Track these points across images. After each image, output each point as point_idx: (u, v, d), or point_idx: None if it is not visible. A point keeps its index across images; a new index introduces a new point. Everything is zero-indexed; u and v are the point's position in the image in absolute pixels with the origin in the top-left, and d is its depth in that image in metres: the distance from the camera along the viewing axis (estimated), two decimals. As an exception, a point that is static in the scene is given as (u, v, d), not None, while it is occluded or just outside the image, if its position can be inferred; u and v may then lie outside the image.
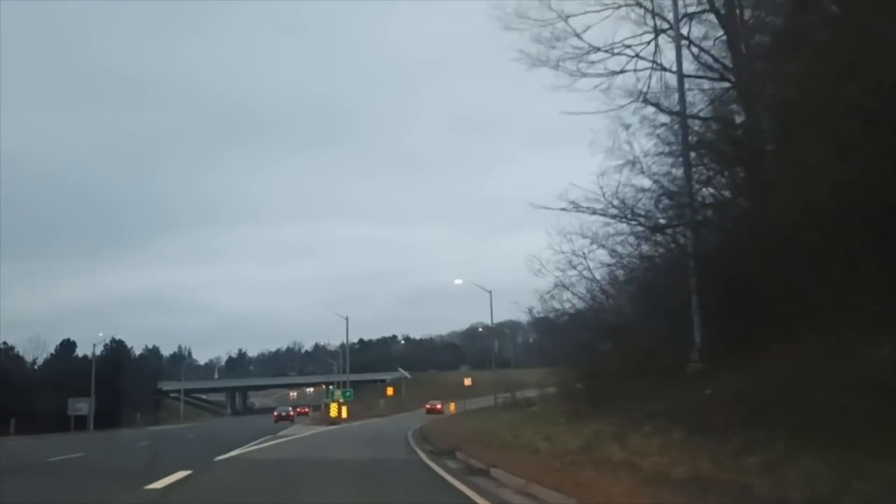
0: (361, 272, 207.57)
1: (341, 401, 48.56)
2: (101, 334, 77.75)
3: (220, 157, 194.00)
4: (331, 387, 60.24)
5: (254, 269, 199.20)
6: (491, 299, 48.52)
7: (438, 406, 69.24)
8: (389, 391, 69.17)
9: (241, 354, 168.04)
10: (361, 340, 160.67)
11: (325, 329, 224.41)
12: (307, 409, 77.81)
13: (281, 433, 33.34)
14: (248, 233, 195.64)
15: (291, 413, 64.71)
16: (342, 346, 48.41)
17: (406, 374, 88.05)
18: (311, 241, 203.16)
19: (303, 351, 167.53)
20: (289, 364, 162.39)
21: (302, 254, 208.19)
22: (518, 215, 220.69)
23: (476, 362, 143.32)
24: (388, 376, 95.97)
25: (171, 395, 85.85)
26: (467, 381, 77.15)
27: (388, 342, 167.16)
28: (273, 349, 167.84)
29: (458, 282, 59.34)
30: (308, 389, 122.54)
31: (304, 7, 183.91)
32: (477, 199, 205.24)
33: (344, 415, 47.05)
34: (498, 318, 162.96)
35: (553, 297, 24.68)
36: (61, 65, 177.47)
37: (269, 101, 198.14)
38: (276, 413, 65.09)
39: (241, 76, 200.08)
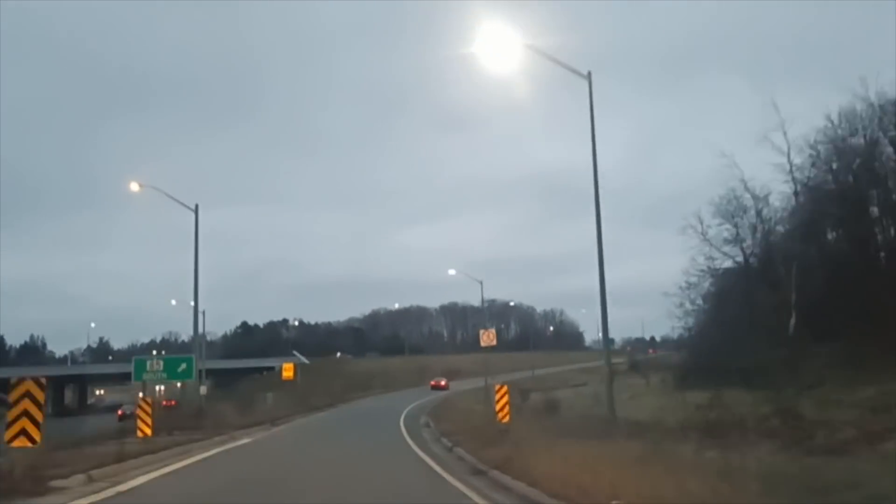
0: (254, 260, 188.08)
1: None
2: None
3: (96, 131, 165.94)
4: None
5: (133, 256, 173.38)
6: (482, 289, 46.77)
7: (443, 383, 71.41)
8: (287, 372, 47.75)
9: (103, 344, 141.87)
10: (245, 324, 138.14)
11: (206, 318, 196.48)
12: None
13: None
14: (127, 217, 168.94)
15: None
16: (193, 336, 28.08)
17: (303, 358, 67.98)
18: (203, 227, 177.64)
19: (179, 342, 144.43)
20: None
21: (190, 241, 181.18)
22: (422, 202, 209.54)
23: (383, 348, 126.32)
24: (278, 362, 75.71)
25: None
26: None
27: (276, 327, 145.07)
28: (146, 340, 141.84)
29: (451, 272, 57.40)
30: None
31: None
32: (380, 184, 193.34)
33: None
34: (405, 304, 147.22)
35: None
36: None
37: (154, 67, 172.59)
38: (119, 412, 54.21)
39: (118, 35, 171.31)
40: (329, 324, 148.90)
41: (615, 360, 32.95)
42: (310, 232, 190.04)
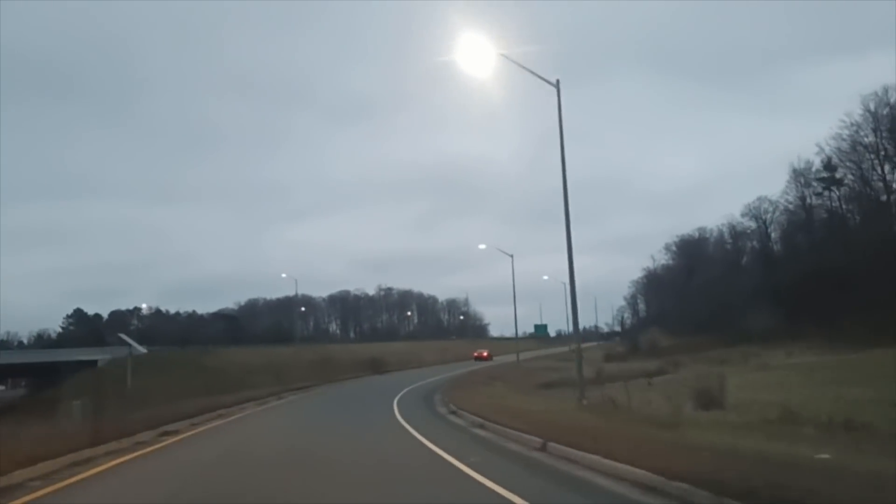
0: (136, 255, 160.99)
1: None
2: None
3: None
4: None
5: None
6: (513, 264, 43.36)
7: (485, 354, 75.93)
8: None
9: None
10: (80, 312, 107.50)
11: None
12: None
13: None
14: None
15: None
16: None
17: (138, 346, 42.89)
18: (62, 224, 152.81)
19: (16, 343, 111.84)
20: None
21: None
22: (314, 196, 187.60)
23: (262, 339, 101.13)
24: (104, 354, 49.88)
25: None
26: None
27: (124, 316, 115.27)
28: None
29: (481, 246, 55.65)
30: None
31: None
32: (272, 178, 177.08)
33: None
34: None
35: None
36: None
37: (26, 52, 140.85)
38: None
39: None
40: (194, 312, 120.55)
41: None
42: (196, 226, 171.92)
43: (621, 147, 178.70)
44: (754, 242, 62.64)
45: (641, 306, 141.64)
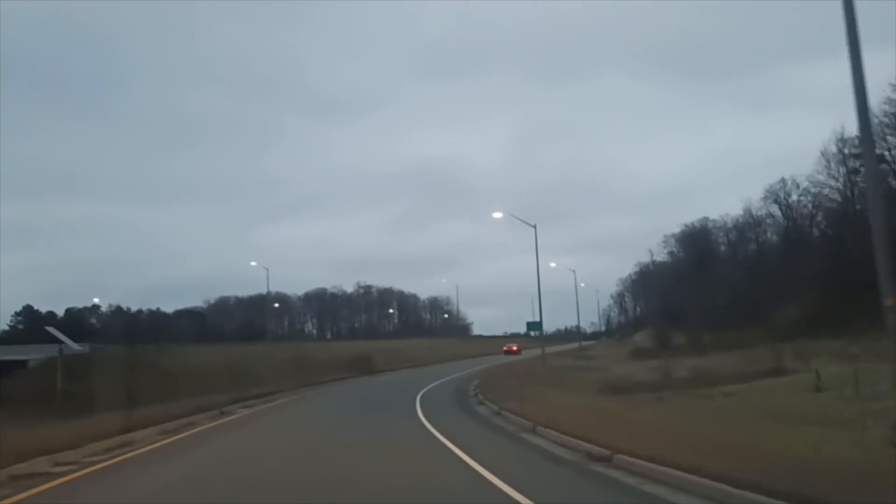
0: (94, 256, 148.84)
1: None
2: None
3: None
4: None
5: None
6: (536, 235, 33.83)
7: (515, 348, 78.52)
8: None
9: None
10: (30, 309, 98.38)
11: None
12: None
13: None
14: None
15: None
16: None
17: (73, 344, 35.05)
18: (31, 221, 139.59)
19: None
20: None
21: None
22: (295, 194, 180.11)
23: (231, 337, 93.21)
24: (37, 354, 41.99)
25: None
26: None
27: (81, 314, 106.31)
28: None
29: (497, 215, 40.23)
30: None
31: None
32: (243, 175, 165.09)
33: None
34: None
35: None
36: None
37: None
38: None
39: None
40: (158, 310, 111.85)
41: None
42: (170, 224, 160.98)
43: (604, 146, 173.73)
44: (791, 222, 56.50)
45: (630, 304, 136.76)
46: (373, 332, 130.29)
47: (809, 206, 56.69)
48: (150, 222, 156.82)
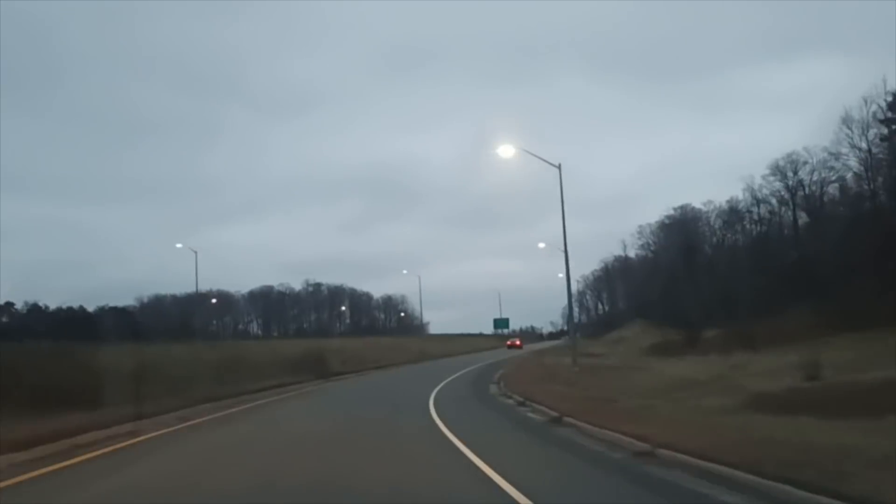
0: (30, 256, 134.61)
1: None
2: None
3: None
4: None
5: None
6: (560, 175, 28.64)
7: (518, 342, 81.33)
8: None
9: None
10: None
11: None
12: None
13: None
14: None
15: None
16: None
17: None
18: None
19: None
20: None
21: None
22: (238, 195, 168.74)
23: (162, 336, 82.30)
24: None
25: None
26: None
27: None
28: None
29: (509, 153, 31.25)
30: None
31: None
32: (190, 173, 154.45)
33: None
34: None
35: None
36: None
37: None
38: None
39: None
40: (81, 308, 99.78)
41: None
42: (110, 224, 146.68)
43: (557, 149, 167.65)
44: (798, 199, 50.05)
45: (591, 302, 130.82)
46: (323, 332, 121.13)
47: (821, 183, 50.49)
48: (90, 222, 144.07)
